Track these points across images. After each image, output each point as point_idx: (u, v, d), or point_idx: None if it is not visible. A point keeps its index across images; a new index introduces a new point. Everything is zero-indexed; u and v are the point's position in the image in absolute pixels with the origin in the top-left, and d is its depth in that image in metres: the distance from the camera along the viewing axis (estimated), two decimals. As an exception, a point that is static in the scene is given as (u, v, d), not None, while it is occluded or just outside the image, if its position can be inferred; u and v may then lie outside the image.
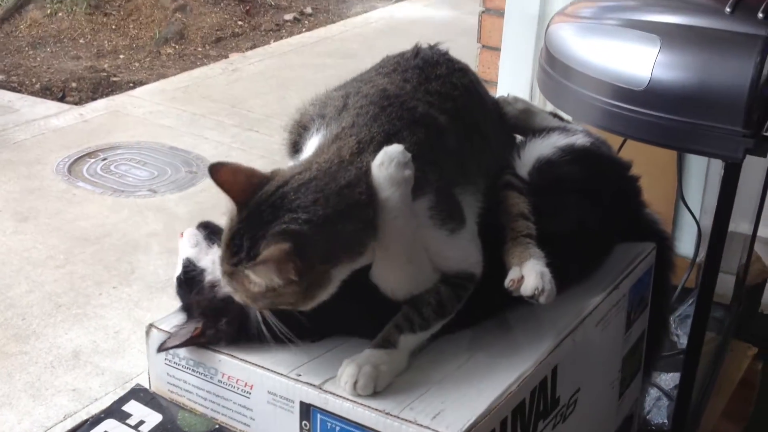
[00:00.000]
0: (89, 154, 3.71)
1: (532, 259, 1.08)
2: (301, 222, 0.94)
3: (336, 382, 1.00)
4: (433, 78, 1.17)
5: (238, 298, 1.00)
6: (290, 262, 0.92)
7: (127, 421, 1.09)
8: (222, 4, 5.77)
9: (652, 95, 1.40)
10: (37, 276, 2.83)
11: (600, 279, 1.25)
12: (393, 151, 0.97)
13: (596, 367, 1.24)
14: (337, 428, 0.99)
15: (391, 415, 0.96)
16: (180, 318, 1.14)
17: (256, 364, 1.05)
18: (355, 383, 0.98)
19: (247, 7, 5.82)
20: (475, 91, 1.24)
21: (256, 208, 0.97)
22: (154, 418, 1.09)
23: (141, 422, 1.09)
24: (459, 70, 1.22)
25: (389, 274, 1.02)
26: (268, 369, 1.04)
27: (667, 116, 1.39)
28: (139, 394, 1.14)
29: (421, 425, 0.94)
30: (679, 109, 1.38)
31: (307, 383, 1.01)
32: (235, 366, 1.07)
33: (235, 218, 0.99)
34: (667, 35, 1.43)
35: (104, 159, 3.65)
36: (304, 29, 5.75)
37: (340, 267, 0.98)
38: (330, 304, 1.09)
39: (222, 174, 1.00)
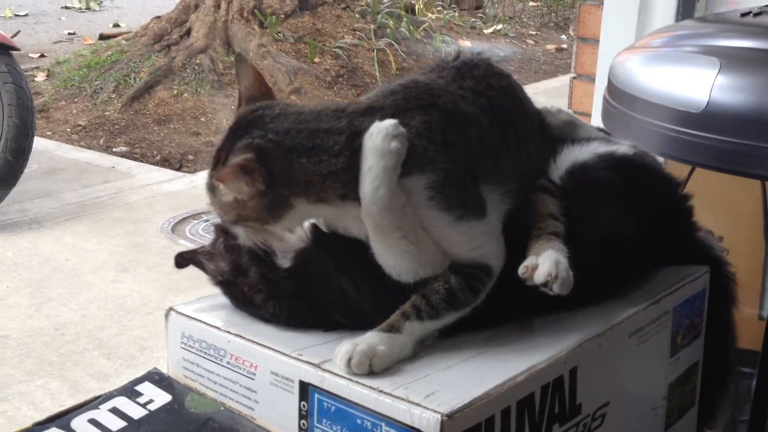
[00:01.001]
0: (193, 216, 3.87)
1: (550, 250, 1.03)
2: (267, 140, 0.97)
3: (333, 361, 0.98)
4: (468, 77, 1.16)
5: (213, 210, 1.06)
6: (255, 171, 0.95)
7: (137, 400, 1.09)
8: (335, 88, 6.00)
9: (710, 117, 1.35)
10: (128, 321, 2.93)
11: (639, 295, 1.18)
12: (385, 123, 0.97)
13: (632, 384, 1.16)
14: (333, 408, 0.96)
15: (383, 392, 0.92)
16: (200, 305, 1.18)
17: (261, 344, 1.04)
18: (350, 360, 0.95)
19: (359, 91, 6.03)
20: (515, 95, 1.22)
21: (238, 124, 1.02)
22: (163, 398, 1.10)
23: (150, 401, 1.09)
24: (498, 74, 1.20)
25: (384, 249, 1.00)
26: (271, 348, 1.03)
27: (725, 139, 1.33)
28: (154, 376, 1.15)
29: (413, 402, 0.90)
30: (738, 132, 1.32)
31: (306, 362, 0.99)
32: (241, 347, 1.06)
33: (226, 133, 1.04)
34: (727, 57, 1.38)
35: (206, 221, 3.80)
36: (413, 112, 5.87)
37: (299, 199, 0.99)
38: (345, 294, 1.08)
39: (245, 74, 1.07)
